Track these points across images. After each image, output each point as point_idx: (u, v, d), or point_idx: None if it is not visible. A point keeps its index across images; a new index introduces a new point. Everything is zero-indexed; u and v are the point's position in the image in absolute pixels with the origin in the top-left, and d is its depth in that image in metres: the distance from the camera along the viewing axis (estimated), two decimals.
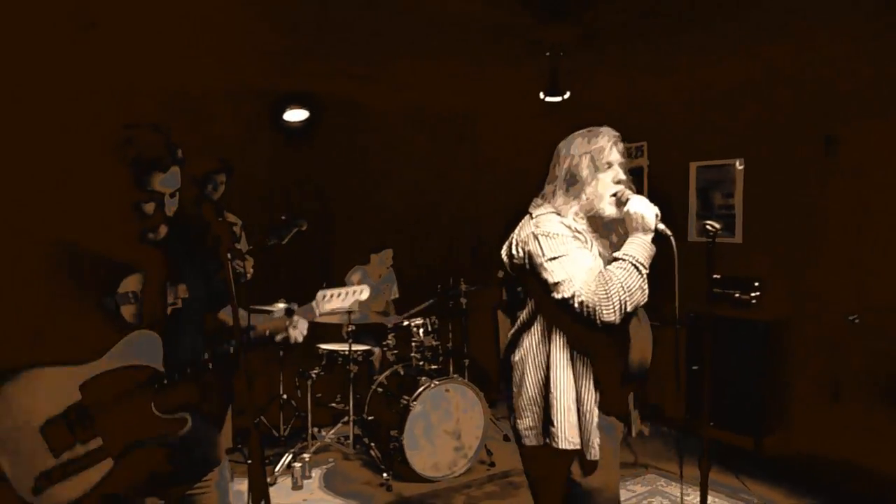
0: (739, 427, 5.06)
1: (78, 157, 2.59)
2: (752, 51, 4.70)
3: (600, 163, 2.29)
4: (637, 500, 4.25)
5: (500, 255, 2.41)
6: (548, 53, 4.41)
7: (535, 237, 2.25)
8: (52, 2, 3.56)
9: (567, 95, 4.65)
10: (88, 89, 4.59)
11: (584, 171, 2.29)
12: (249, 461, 1.76)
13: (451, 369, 5.38)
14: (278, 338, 2.17)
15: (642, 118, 6.36)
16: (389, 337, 5.24)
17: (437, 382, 4.56)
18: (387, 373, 5.00)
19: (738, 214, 5.62)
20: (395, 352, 5.19)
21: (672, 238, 2.26)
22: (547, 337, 2.29)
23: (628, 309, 2.16)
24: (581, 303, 2.12)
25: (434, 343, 5.01)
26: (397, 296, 5.82)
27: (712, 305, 4.27)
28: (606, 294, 2.11)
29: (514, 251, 2.33)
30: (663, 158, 6.27)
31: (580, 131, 2.39)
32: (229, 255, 1.80)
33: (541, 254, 2.21)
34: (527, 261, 2.27)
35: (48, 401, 1.93)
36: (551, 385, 2.26)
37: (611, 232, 2.40)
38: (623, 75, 5.61)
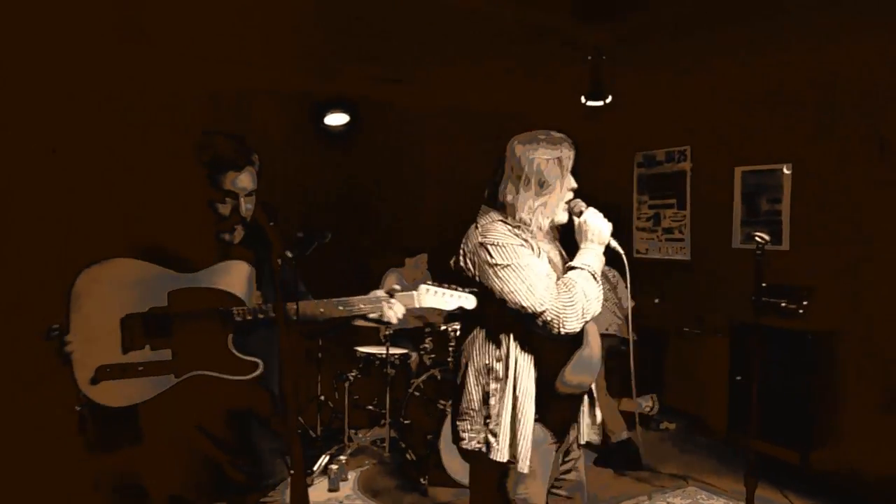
0: (785, 441, 4.90)
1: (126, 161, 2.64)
2: (801, 51, 4.58)
3: (565, 169, 2.28)
4: None
5: (450, 265, 2.37)
6: (589, 57, 4.35)
7: (484, 246, 2.21)
8: (104, 13, 3.65)
9: (609, 100, 4.58)
10: (136, 95, 4.68)
11: (553, 177, 2.25)
12: (292, 471, 1.73)
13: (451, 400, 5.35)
14: (372, 315, 2.11)
15: (686, 121, 6.25)
16: (427, 341, 5.22)
17: None
18: (424, 377, 4.98)
19: (784, 221, 5.47)
20: (433, 356, 5.17)
21: (623, 256, 2.32)
22: (491, 345, 2.25)
23: (588, 316, 2.17)
24: (544, 311, 2.10)
25: None
26: None
27: (759, 315, 4.16)
28: (571, 301, 2.12)
29: (462, 263, 2.29)
30: (707, 163, 6.14)
31: (535, 134, 2.32)
32: (280, 261, 1.78)
33: (491, 263, 2.17)
34: (477, 270, 2.23)
35: (134, 295, 1.89)
36: (492, 396, 2.23)
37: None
38: (666, 77, 5.51)
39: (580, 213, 2.31)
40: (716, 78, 5.50)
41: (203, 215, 1.98)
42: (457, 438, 2.34)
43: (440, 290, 2.14)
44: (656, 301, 6.14)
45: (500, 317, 2.22)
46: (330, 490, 4.43)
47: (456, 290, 2.15)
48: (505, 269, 2.15)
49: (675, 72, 5.32)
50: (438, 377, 4.89)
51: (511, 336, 2.23)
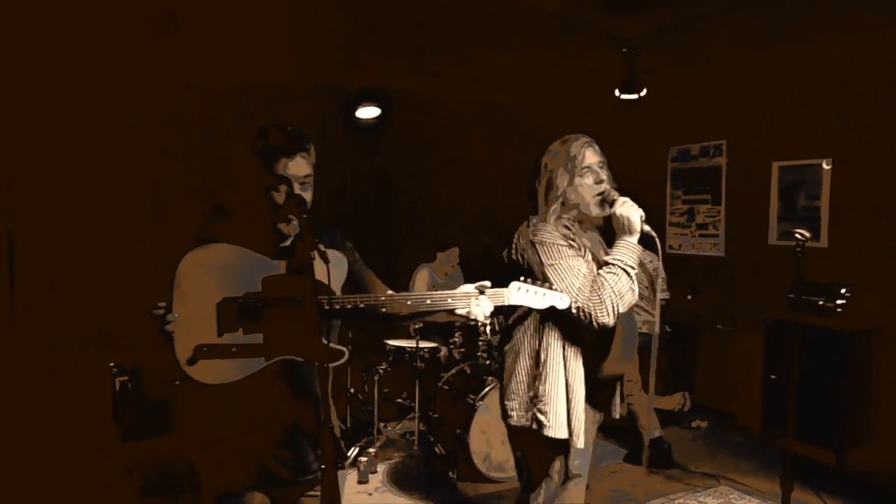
0: (820, 441, 4.80)
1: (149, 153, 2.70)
2: (841, 42, 4.45)
3: (577, 169, 2.46)
4: None
5: (503, 256, 2.60)
6: (624, 49, 4.30)
7: (533, 245, 2.43)
8: (136, 6, 3.70)
9: (644, 93, 4.52)
10: (170, 88, 4.74)
11: (561, 180, 2.47)
12: (322, 466, 1.73)
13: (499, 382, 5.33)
14: (460, 311, 2.09)
15: (722, 115, 6.14)
16: (456, 335, 5.22)
17: None
18: (453, 371, 4.98)
19: (823, 217, 5.35)
20: (462, 350, 5.17)
21: (657, 239, 2.41)
22: (539, 332, 2.48)
23: (621, 310, 2.35)
24: (578, 308, 2.31)
25: None
26: None
27: (796, 313, 4.07)
28: (600, 299, 2.31)
29: (514, 256, 2.51)
30: (744, 157, 6.03)
31: (555, 142, 2.55)
32: (313, 255, 1.78)
33: (539, 261, 2.40)
34: (526, 266, 2.45)
35: (231, 279, 1.97)
36: (544, 377, 2.45)
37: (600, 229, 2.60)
38: (701, 70, 5.41)
39: (612, 204, 2.43)
40: (753, 70, 5.39)
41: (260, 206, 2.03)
42: (505, 415, 2.59)
43: (532, 287, 2.15)
44: (688, 297, 6.06)
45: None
46: (359, 482, 4.46)
47: (550, 288, 2.17)
48: (549, 267, 2.37)
49: (710, 64, 5.22)
50: (468, 371, 4.89)
51: (558, 326, 2.45)
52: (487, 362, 4.87)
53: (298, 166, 2.04)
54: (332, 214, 5.41)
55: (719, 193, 6.30)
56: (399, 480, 4.56)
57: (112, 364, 4.23)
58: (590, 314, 2.31)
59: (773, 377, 5.16)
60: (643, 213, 2.40)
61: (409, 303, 2.07)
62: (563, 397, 2.44)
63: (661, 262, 2.54)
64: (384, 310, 2.05)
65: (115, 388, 4.21)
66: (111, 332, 4.39)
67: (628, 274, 2.36)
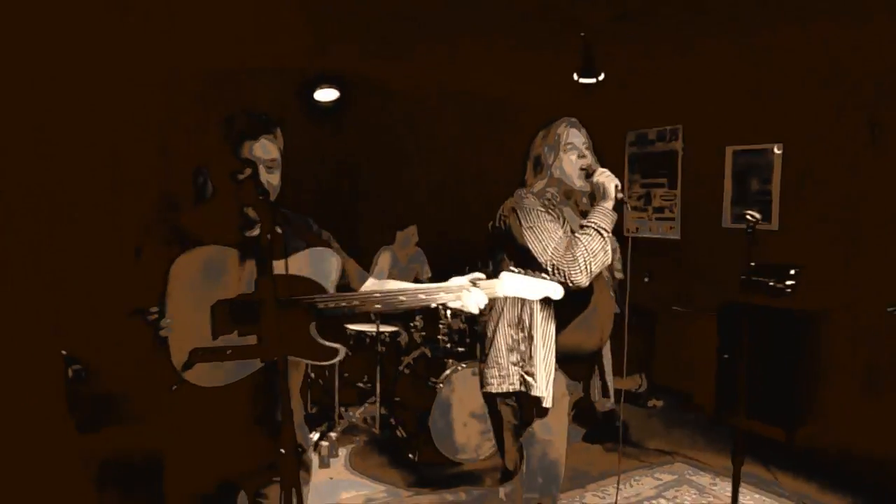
0: (771, 418, 4.97)
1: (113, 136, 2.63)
2: (793, 30, 4.54)
3: (561, 146, 2.70)
4: (665, 489, 4.21)
5: (488, 227, 2.78)
6: (582, 34, 4.31)
7: (514, 210, 2.63)
8: None
9: (602, 77, 4.56)
10: (126, 69, 4.60)
11: (546, 156, 2.72)
12: (282, 450, 1.73)
13: (479, 352, 5.37)
14: (452, 304, 2.06)
15: (678, 100, 6.23)
16: (417, 318, 5.23)
17: (464, 365, 4.54)
18: (414, 354, 4.99)
19: (775, 200, 5.49)
20: (423, 333, 5.18)
21: (627, 204, 2.81)
22: (519, 299, 2.56)
23: (594, 269, 2.49)
24: (553, 265, 2.48)
25: (461, 325, 4.99)
26: (429, 275, 5.78)
27: (747, 294, 4.18)
28: (573, 257, 2.46)
29: (498, 224, 2.71)
30: (698, 142, 6.14)
31: (550, 122, 2.80)
32: (269, 237, 1.76)
33: (518, 223, 2.59)
34: (506, 229, 2.65)
35: (224, 282, 1.96)
36: (530, 339, 2.59)
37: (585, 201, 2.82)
38: (658, 56, 5.47)
39: (591, 175, 2.65)
40: (709, 57, 5.47)
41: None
42: (484, 384, 2.73)
43: (525, 277, 2.07)
44: (645, 279, 6.17)
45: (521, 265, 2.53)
46: (320, 467, 4.45)
47: (543, 277, 2.10)
48: (527, 229, 2.57)
49: (667, 50, 5.28)
50: (429, 354, 4.91)
51: None
52: (448, 345, 4.90)
53: (263, 149, 2.02)
54: (291, 198, 5.35)
55: (675, 177, 6.41)
56: (361, 464, 4.57)
57: (64, 352, 4.13)
58: (564, 272, 2.45)
59: (726, 357, 5.31)
60: (618, 182, 2.59)
61: (402, 298, 2.02)
62: (540, 358, 2.57)
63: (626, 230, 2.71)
64: (378, 306, 2.03)
65: (69, 376, 4.11)
66: (65, 322, 4.28)
67: (601, 235, 2.51)
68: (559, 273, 2.46)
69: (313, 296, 1.96)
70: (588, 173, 2.68)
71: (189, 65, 4.95)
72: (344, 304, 1.99)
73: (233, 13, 4.23)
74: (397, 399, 4.90)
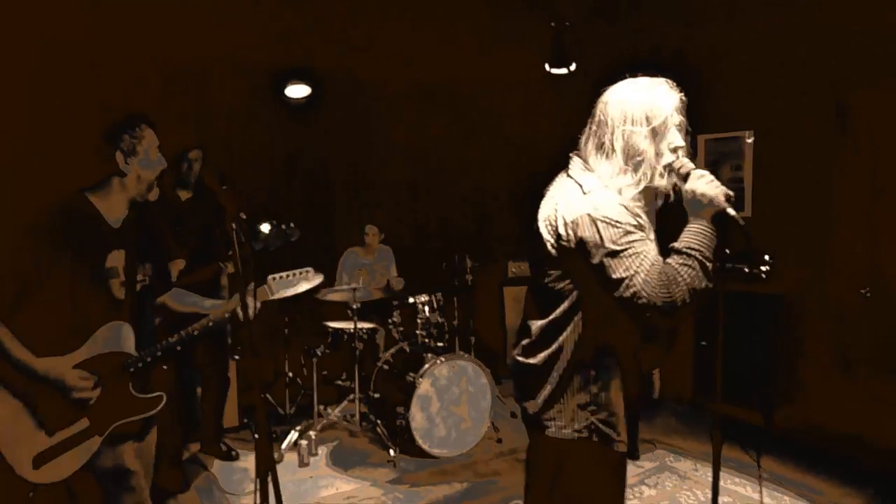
0: (749, 402, 5.01)
1: (76, 128, 2.58)
2: (759, 15, 4.57)
3: (662, 129, 1.95)
4: (646, 476, 4.23)
5: (538, 227, 2.04)
6: (553, 24, 4.32)
7: (594, 222, 1.87)
8: None
9: (573, 67, 4.56)
10: (91, 61, 4.49)
11: (645, 141, 1.94)
12: (256, 435, 1.73)
13: (458, 346, 5.35)
14: (225, 314, 2.37)
15: None
16: (395, 314, 5.19)
17: (442, 359, 4.52)
18: (392, 350, 4.96)
19: (747, 188, 5.53)
20: (401, 329, 5.15)
21: (743, 226, 1.93)
22: (594, 328, 1.98)
23: (687, 308, 1.86)
24: (642, 303, 1.81)
25: (440, 320, 4.97)
26: (395, 274, 5.71)
27: (722, 282, 4.19)
28: (670, 297, 1.80)
29: (561, 231, 1.94)
30: None
31: (636, 82, 2.05)
32: (234, 225, 1.75)
33: (599, 243, 1.86)
34: (577, 246, 1.91)
35: (40, 388, 2.15)
36: (603, 381, 1.99)
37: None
38: (628, 44, 5.49)
39: (685, 178, 1.94)
40: (676, 44, 5.50)
41: None
42: (541, 427, 2.06)
43: (286, 274, 2.33)
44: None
45: (598, 296, 1.94)
46: (300, 465, 4.40)
47: (300, 272, 2.29)
48: (612, 255, 1.85)
49: (635, 39, 5.31)
50: (407, 350, 4.88)
51: (616, 322, 1.98)
52: (427, 340, 4.87)
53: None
54: (263, 195, 5.29)
55: (695, 161, 6.42)
56: (341, 462, 4.52)
57: None
58: (653, 311, 1.81)
59: (703, 343, 5.34)
60: (731, 193, 1.91)
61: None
62: (620, 396, 2.01)
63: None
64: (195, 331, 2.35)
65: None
66: None
67: (705, 267, 1.87)
68: (650, 314, 1.82)
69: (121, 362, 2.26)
70: (679, 173, 1.95)
71: (155, 57, 4.85)
72: (149, 358, 2.28)
73: (202, 4, 4.16)
74: (377, 395, 4.87)
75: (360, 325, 4.90)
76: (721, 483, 3.61)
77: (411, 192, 6.31)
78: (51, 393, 2.15)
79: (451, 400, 4.55)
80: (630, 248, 1.84)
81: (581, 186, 1.96)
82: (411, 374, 4.50)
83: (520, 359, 2.13)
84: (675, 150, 1.95)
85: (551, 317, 2.03)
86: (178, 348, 2.32)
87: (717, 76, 5.61)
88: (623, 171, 1.94)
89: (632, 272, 1.82)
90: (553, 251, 1.98)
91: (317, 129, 5.79)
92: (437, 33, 4.97)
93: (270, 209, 4.36)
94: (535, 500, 2.26)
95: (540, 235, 2.02)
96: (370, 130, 6.12)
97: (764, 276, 5.13)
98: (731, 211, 1.91)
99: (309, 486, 4.13)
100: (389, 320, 5.20)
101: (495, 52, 5.59)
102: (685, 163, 1.95)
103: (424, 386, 4.44)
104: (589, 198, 1.92)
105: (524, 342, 2.12)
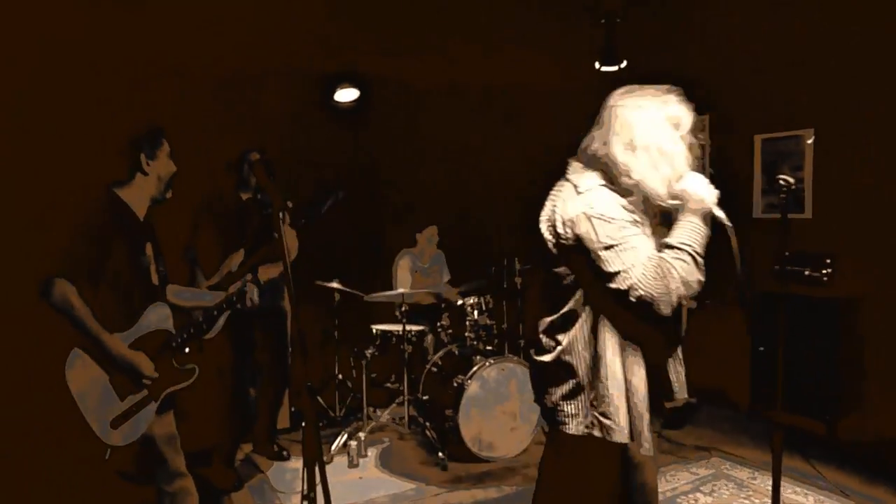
0: (810, 411, 4.82)
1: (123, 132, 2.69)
2: (823, 13, 4.43)
3: (663, 137, 2.06)
4: (701, 483, 4.10)
5: (540, 229, 2.18)
6: (603, 20, 4.25)
7: (589, 219, 2.00)
8: None
9: (624, 65, 4.48)
10: (144, 70, 4.62)
11: (645, 146, 2.04)
12: (303, 424, 1.79)
13: (507, 349, 5.31)
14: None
15: (703, 89, 6.10)
16: (444, 317, 5.18)
17: (491, 362, 4.48)
18: (441, 353, 4.94)
19: (807, 189, 5.34)
20: (450, 332, 5.14)
21: (731, 230, 2.07)
22: (596, 323, 2.10)
23: (683, 302, 2.04)
24: (639, 297, 1.94)
25: (488, 322, 4.94)
26: (449, 277, 5.73)
27: (783, 284, 4.05)
28: (666, 289, 1.93)
29: (560, 230, 2.08)
30: (726, 132, 6.01)
31: (643, 90, 2.14)
32: (281, 216, 1.82)
33: (595, 239, 1.98)
34: (576, 242, 2.04)
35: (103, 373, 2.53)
36: (603, 374, 2.08)
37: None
38: (683, 42, 5.38)
39: (678, 179, 2.07)
40: (733, 43, 5.36)
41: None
42: (556, 423, 2.19)
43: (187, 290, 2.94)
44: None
45: (598, 292, 2.06)
46: (349, 466, 4.42)
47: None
48: (607, 249, 1.97)
49: (691, 36, 5.19)
50: (456, 352, 4.86)
51: (616, 314, 2.08)
52: (475, 343, 4.84)
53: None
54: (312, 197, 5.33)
55: (703, 169, 6.28)
56: (389, 464, 4.52)
57: None
58: (651, 303, 1.93)
59: (761, 349, 5.17)
60: (716, 193, 2.06)
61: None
62: (622, 394, 2.09)
63: (737, 258, 2.16)
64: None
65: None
66: None
67: (696, 261, 2.00)
68: (646, 307, 1.94)
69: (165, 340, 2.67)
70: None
71: (207, 65, 4.95)
72: (186, 335, 2.69)
73: (252, 12, 4.23)
74: (425, 398, 4.86)
75: (409, 327, 4.90)
76: (782, 492, 3.49)
77: (459, 196, 6.29)
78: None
79: (500, 403, 4.51)
80: (625, 242, 1.96)
81: (577, 187, 2.10)
82: (460, 377, 4.48)
83: (534, 358, 2.27)
84: (671, 155, 2.05)
85: (557, 315, 2.17)
86: (206, 327, 2.76)
87: (775, 73, 5.45)
88: (620, 174, 2.05)
89: (628, 265, 1.94)
90: (555, 250, 2.12)
91: (366, 133, 5.83)
92: (487, 36, 4.95)
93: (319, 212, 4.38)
94: (542, 493, 2.38)
95: (542, 236, 2.16)
96: (419, 135, 6.13)
97: (825, 279, 4.95)
98: (718, 212, 2.06)
99: (358, 488, 4.14)
100: (438, 323, 5.20)
101: (544, 56, 5.54)
102: (686, 167, 2.08)
103: (473, 388, 4.41)
104: (584, 197, 2.05)
105: (536, 341, 2.27)
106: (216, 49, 4.89)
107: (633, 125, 2.06)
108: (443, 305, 5.19)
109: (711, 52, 5.63)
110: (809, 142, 5.29)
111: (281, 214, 1.93)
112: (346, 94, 5.47)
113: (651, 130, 2.05)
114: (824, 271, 4.96)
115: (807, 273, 4.98)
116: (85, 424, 2.42)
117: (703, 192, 2.04)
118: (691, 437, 4.88)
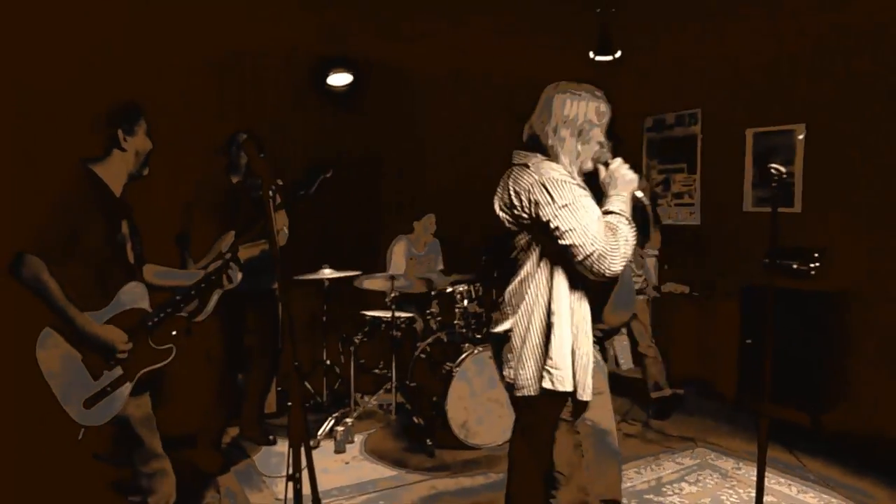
0: (796, 402, 4.86)
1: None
2: (814, 9, 4.43)
3: (594, 127, 2.40)
4: (686, 473, 4.13)
5: (496, 211, 2.44)
6: (598, 10, 4.23)
7: (542, 185, 2.26)
8: None
9: (619, 54, 4.47)
10: (139, 50, 4.56)
11: (580, 133, 2.37)
12: (289, 403, 1.77)
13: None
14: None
15: (695, 84, 6.13)
16: (433, 305, 5.18)
17: (480, 349, 4.49)
18: (430, 339, 4.94)
19: (797, 183, 5.37)
20: (439, 319, 5.14)
21: (648, 207, 2.53)
22: (550, 285, 2.34)
23: (626, 260, 2.26)
24: (593, 251, 2.18)
25: (478, 310, 4.93)
26: (442, 267, 5.72)
27: (771, 276, 4.06)
28: (616, 244, 2.20)
29: (515, 201, 2.33)
30: (718, 125, 6.03)
31: (581, 85, 2.44)
32: (270, 192, 1.79)
33: (550, 201, 2.23)
34: (532, 209, 2.29)
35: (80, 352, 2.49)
36: (553, 331, 2.31)
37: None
38: (676, 37, 5.37)
39: (607, 163, 2.42)
40: (727, 37, 5.36)
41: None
42: (513, 387, 2.41)
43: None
44: (665, 266, 6.06)
45: (552, 257, 2.32)
46: (336, 452, 4.42)
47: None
48: (563, 208, 2.21)
49: (685, 31, 5.19)
50: (445, 340, 4.86)
51: (567, 276, 2.33)
52: (464, 330, 4.84)
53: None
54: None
55: (695, 162, 6.31)
56: (376, 450, 4.53)
57: None
58: (604, 257, 2.17)
59: (749, 342, 5.20)
60: (637, 177, 2.39)
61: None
62: (568, 349, 2.31)
63: (652, 228, 2.61)
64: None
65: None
66: None
67: (630, 225, 2.29)
68: (596, 261, 2.17)
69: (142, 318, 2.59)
70: (601, 161, 2.44)
71: (201, 47, 4.90)
72: (162, 315, 2.62)
73: None
74: (413, 385, 4.86)
75: (398, 314, 4.89)
76: (766, 483, 3.52)
77: (454, 183, 6.27)
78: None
79: (488, 390, 4.51)
80: (578, 202, 2.22)
81: (525, 165, 2.36)
82: (448, 364, 4.48)
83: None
84: (601, 144, 2.42)
85: (510, 286, 2.43)
86: (183, 305, 2.68)
87: (767, 68, 5.47)
88: (562, 155, 2.36)
89: (584, 223, 2.19)
90: (512, 227, 2.39)
91: (361, 118, 5.80)
92: (482, 23, 4.92)
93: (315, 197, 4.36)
94: (513, 456, 2.74)
95: (498, 217, 2.42)
96: (415, 121, 6.11)
97: (813, 272, 4.98)
98: (637, 192, 2.38)
99: (344, 473, 4.14)
100: (427, 310, 5.19)
101: (542, 43, 5.52)
102: (606, 153, 2.43)
103: (461, 375, 4.41)
104: (534, 168, 2.33)
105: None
106: (212, 29, 4.84)
107: (570, 110, 2.37)
108: (433, 293, 5.19)
109: (705, 46, 5.64)
110: (801, 137, 5.31)
111: (271, 193, 1.88)
112: (340, 79, 5.44)
113: (583, 117, 2.37)
114: (812, 265, 4.99)
115: (795, 266, 5.00)
116: (57, 405, 2.36)
117: (628, 175, 2.38)
118: (677, 427, 4.91)
